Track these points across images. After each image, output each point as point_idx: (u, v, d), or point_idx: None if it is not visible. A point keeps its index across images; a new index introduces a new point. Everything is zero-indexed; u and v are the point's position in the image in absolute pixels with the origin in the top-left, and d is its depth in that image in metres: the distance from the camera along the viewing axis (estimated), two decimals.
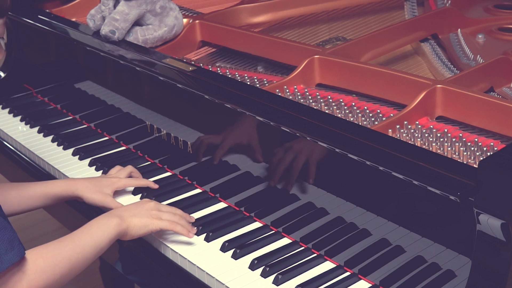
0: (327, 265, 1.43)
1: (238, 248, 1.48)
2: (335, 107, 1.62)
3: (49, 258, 1.32)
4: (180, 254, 1.49)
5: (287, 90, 1.69)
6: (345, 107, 1.61)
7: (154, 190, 1.71)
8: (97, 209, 1.66)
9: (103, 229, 1.42)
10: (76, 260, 1.36)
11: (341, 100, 1.65)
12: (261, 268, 1.42)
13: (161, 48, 1.99)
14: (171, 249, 1.51)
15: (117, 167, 1.74)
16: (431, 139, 1.45)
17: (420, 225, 1.31)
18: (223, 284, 1.40)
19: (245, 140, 1.61)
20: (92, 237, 1.40)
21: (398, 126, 1.47)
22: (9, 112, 2.27)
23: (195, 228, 1.55)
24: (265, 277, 1.40)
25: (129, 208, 1.51)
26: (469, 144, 1.41)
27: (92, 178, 1.69)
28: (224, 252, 1.49)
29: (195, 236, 1.54)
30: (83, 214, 1.74)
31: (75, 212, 1.77)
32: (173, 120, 1.81)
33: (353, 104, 1.63)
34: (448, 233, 1.27)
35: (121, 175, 1.70)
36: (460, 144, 1.41)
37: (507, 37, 1.95)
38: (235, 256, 1.47)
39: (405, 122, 1.48)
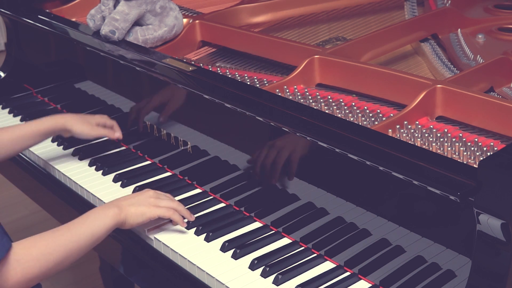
0: (327, 265, 1.43)
1: (238, 248, 1.48)
2: (335, 107, 1.62)
3: (42, 247, 1.35)
4: (180, 254, 1.49)
5: (287, 90, 1.69)
6: (345, 107, 1.61)
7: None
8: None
9: (100, 219, 1.45)
10: (71, 249, 1.39)
11: (341, 100, 1.65)
12: (261, 268, 1.42)
13: (161, 48, 1.99)
14: (171, 249, 1.51)
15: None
16: (431, 139, 1.45)
17: (420, 225, 1.31)
18: (223, 284, 1.40)
19: (245, 140, 1.61)
20: (89, 226, 1.43)
21: (398, 126, 1.47)
22: (9, 112, 2.27)
23: (194, 216, 1.57)
24: (265, 277, 1.41)
25: (127, 197, 1.53)
26: (469, 144, 1.41)
27: (75, 114, 1.84)
28: (224, 252, 1.49)
29: (195, 236, 1.55)
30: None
31: (75, 212, 1.77)
32: (173, 120, 1.81)
33: (353, 104, 1.63)
34: (448, 233, 1.27)
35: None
36: (460, 144, 1.41)
37: (507, 37, 1.95)
38: (235, 256, 1.47)
39: (405, 122, 1.48)
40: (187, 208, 1.62)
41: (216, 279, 1.41)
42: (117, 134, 1.83)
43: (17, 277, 1.30)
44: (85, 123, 1.79)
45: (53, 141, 2.03)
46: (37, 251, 1.34)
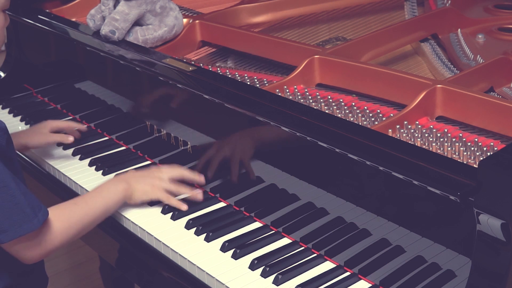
0: (327, 265, 1.43)
1: (238, 248, 1.48)
2: (335, 107, 1.62)
3: (64, 221, 1.44)
4: (180, 254, 1.49)
5: (287, 90, 1.69)
6: (345, 107, 1.61)
7: None
8: None
9: (112, 193, 1.56)
10: (87, 222, 1.49)
11: (341, 100, 1.65)
12: (261, 268, 1.42)
13: (161, 48, 1.99)
14: (171, 249, 1.51)
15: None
16: (431, 139, 1.45)
17: (420, 225, 1.31)
18: (223, 284, 1.40)
19: (244, 140, 1.61)
20: (103, 200, 1.54)
21: (398, 126, 1.47)
22: (9, 112, 2.27)
23: (199, 192, 1.64)
24: (265, 277, 1.41)
25: (135, 174, 1.64)
26: (469, 144, 1.41)
27: (26, 130, 1.92)
28: (224, 252, 1.49)
29: (195, 236, 1.55)
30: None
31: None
32: (173, 120, 1.81)
33: (353, 104, 1.63)
34: (448, 233, 1.27)
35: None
36: (460, 144, 1.41)
37: (507, 37, 1.95)
38: (235, 256, 1.47)
39: (405, 122, 1.48)
40: (188, 208, 1.63)
41: (216, 279, 1.41)
42: (71, 138, 1.89)
43: (40, 248, 1.40)
44: (38, 134, 1.87)
45: None
46: (61, 224, 1.43)
